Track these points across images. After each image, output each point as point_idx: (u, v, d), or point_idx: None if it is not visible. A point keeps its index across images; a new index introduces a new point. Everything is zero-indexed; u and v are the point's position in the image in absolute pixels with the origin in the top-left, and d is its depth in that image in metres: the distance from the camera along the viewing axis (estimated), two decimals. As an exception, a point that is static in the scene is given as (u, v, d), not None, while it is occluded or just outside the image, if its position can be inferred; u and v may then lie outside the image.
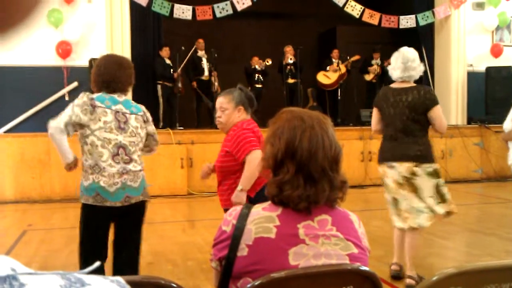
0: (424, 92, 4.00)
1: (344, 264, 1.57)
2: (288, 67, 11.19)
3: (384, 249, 4.88)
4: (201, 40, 10.58)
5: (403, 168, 3.97)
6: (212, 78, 10.41)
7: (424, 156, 3.95)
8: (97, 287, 0.53)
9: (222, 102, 3.44)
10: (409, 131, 3.99)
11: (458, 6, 11.08)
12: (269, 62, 11.19)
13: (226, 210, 3.50)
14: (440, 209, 4.02)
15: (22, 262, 0.53)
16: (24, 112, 9.09)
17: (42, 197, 8.34)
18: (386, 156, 4.10)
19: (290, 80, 11.18)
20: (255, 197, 3.30)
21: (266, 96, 10.99)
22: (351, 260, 1.58)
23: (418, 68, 4.06)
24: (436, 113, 3.96)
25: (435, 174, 3.99)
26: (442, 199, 4.04)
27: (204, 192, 8.63)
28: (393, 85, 4.14)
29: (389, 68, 4.20)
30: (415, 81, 4.18)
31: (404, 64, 4.02)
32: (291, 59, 11.25)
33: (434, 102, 3.97)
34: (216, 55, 10.42)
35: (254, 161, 3.22)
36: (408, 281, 4.03)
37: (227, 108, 3.42)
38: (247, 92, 3.54)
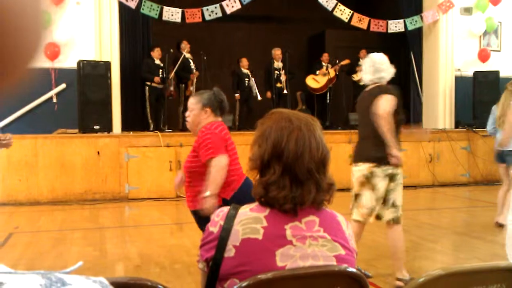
0: (378, 88, 4.06)
1: (331, 265, 1.57)
2: (276, 71, 11.13)
3: (372, 252, 4.90)
4: (185, 42, 10.46)
5: (364, 167, 4.05)
6: (189, 82, 10.32)
7: (382, 158, 3.98)
8: (78, 287, 0.52)
9: (191, 102, 3.54)
10: (373, 133, 4.03)
11: (446, 11, 11.16)
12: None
13: (194, 212, 3.50)
14: (382, 212, 4.07)
15: (8, 265, 0.52)
16: (11, 114, 9.01)
17: (29, 199, 8.25)
18: (355, 156, 4.24)
19: (279, 84, 11.13)
20: (231, 199, 3.29)
21: (256, 99, 10.92)
22: (338, 262, 1.58)
23: (387, 70, 4.13)
24: (379, 100, 3.97)
25: (391, 177, 4.02)
26: (386, 204, 4.06)
27: (192, 195, 8.59)
28: (366, 89, 4.26)
29: (362, 74, 4.33)
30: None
31: (372, 66, 4.14)
32: (279, 62, 11.17)
33: (380, 92, 4.00)
34: (205, 57, 10.39)
35: (218, 165, 3.28)
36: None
37: (194, 108, 3.48)
38: (219, 95, 3.56)
